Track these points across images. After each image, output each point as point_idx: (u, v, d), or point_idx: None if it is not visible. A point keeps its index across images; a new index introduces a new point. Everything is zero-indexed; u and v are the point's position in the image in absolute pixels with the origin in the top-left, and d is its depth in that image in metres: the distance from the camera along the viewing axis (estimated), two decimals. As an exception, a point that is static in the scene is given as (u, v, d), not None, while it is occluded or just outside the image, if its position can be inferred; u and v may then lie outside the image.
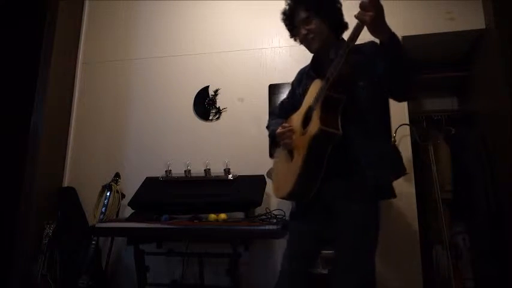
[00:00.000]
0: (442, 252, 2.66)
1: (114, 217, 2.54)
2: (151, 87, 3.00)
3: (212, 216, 2.11)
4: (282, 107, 1.77)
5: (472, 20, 2.55)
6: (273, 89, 2.75)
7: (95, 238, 2.45)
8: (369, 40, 1.36)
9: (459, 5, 2.59)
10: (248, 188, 2.34)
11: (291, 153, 1.47)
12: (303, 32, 1.47)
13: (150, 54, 3.07)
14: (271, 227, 1.92)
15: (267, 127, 1.74)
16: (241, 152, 2.67)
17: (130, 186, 2.62)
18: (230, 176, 2.47)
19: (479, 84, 2.81)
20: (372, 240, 1.33)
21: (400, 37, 1.25)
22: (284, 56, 2.82)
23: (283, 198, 1.50)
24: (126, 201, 2.56)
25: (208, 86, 2.89)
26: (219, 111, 2.83)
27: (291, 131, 1.47)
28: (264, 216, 2.13)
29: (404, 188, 2.37)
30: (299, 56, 2.70)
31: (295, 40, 1.62)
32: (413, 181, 2.41)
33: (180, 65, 2.98)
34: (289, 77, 2.65)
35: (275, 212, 2.16)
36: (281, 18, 1.58)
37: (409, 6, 2.65)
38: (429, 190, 2.65)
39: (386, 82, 1.32)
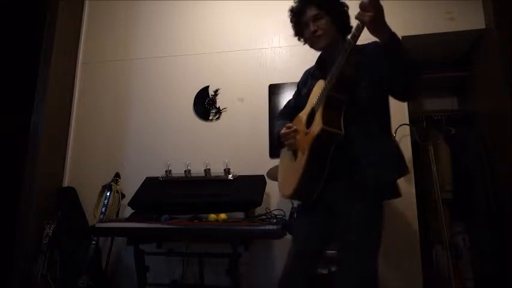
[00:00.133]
0: (442, 252, 2.66)
1: (114, 217, 2.54)
2: (151, 87, 3.00)
3: (212, 216, 2.11)
4: (287, 107, 1.78)
5: (472, 20, 2.55)
6: (273, 89, 2.75)
7: (95, 238, 2.45)
8: (372, 41, 1.36)
9: (459, 5, 2.59)
10: (248, 188, 2.34)
11: (295, 153, 1.48)
12: (312, 28, 1.47)
13: (150, 54, 3.07)
14: (271, 227, 1.92)
15: (273, 127, 1.75)
16: (241, 152, 2.67)
17: (130, 186, 2.62)
18: (230, 176, 2.47)
19: (479, 84, 2.81)
20: (374, 240, 1.33)
21: (400, 37, 1.25)
22: (284, 56, 2.82)
23: (288, 197, 1.51)
24: (126, 201, 2.56)
25: (208, 86, 2.89)
26: (219, 111, 2.83)
27: (295, 131, 1.48)
28: (264, 216, 2.13)
29: (405, 188, 2.37)
30: (299, 56, 2.72)
31: (299, 39, 1.62)
32: (413, 181, 2.41)
33: (180, 65, 2.98)
34: (289, 77, 2.70)
35: (275, 212, 2.16)
36: (288, 14, 1.59)
37: (409, 6, 2.65)
38: (429, 190, 2.65)
39: (389, 82, 1.32)
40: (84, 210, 2.76)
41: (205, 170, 2.54)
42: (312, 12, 1.47)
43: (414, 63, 1.28)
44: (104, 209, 2.50)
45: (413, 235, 2.34)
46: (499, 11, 2.38)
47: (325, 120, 1.31)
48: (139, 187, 2.54)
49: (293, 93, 1.78)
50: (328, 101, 1.34)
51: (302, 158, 1.39)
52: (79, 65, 3.17)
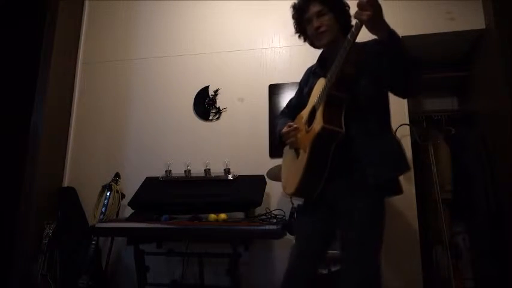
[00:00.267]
0: (442, 252, 2.66)
1: (114, 217, 2.54)
2: (151, 87, 3.00)
3: (212, 216, 2.11)
4: (289, 105, 1.78)
5: (472, 20, 2.55)
6: (273, 89, 2.75)
7: (95, 238, 2.45)
8: (372, 38, 1.36)
9: (459, 5, 2.59)
10: (248, 188, 2.34)
11: (297, 151, 1.49)
12: (316, 24, 1.46)
13: (150, 54, 3.07)
14: (271, 227, 1.92)
15: (275, 126, 1.75)
16: (241, 152, 2.67)
17: (131, 186, 2.62)
18: (230, 176, 2.47)
19: (479, 84, 2.81)
20: (376, 237, 1.33)
21: (399, 35, 1.25)
22: (284, 56, 2.82)
23: (291, 195, 1.52)
24: (126, 201, 2.56)
25: (208, 86, 2.89)
26: (219, 111, 2.83)
27: (296, 130, 1.48)
28: (264, 216, 2.13)
29: (405, 188, 2.32)
30: (299, 56, 2.72)
31: (299, 37, 1.62)
32: (413, 181, 2.41)
33: (180, 65, 2.98)
34: (289, 77, 2.70)
35: (275, 212, 2.16)
36: (291, 11, 1.58)
37: (409, 6, 2.65)
38: (429, 190, 2.65)
39: (389, 79, 1.32)
40: (84, 210, 2.76)
41: (205, 170, 2.54)
42: (315, 8, 1.47)
43: (414, 61, 1.28)
44: (104, 209, 2.50)
45: (413, 235, 2.34)
46: (499, 11, 2.38)
47: (325, 118, 1.31)
48: (139, 187, 2.54)
49: (293, 93, 1.78)
50: (328, 100, 1.35)
51: (303, 156, 1.39)
52: (79, 65, 3.17)
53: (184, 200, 2.33)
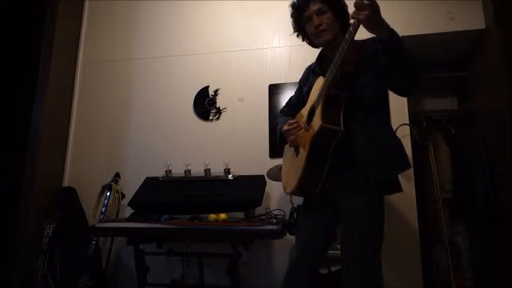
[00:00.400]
0: (442, 252, 2.66)
1: (114, 217, 2.54)
2: (151, 87, 3.00)
3: (212, 216, 2.11)
4: (289, 104, 1.78)
5: (472, 20, 2.55)
6: (273, 89, 2.75)
7: (95, 238, 2.45)
8: (371, 36, 1.36)
9: (459, 5, 2.59)
10: (248, 188, 2.34)
11: (297, 149, 1.49)
12: (316, 22, 1.45)
13: (150, 54, 3.07)
14: (271, 227, 1.92)
15: (276, 124, 1.75)
16: (241, 152, 2.67)
17: (131, 186, 2.62)
18: (230, 176, 2.47)
19: (479, 84, 2.81)
20: (377, 235, 1.34)
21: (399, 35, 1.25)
22: (284, 56, 2.82)
23: (291, 193, 1.52)
24: (126, 201, 2.55)
25: (208, 86, 2.89)
26: (219, 111, 2.83)
27: (296, 128, 1.48)
28: (264, 216, 2.13)
29: (405, 188, 2.34)
30: (299, 56, 2.72)
31: (298, 36, 1.61)
32: (413, 181, 2.41)
33: (180, 65, 2.98)
34: (289, 77, 2.70)
35: (275, 212, 2.16)
36: (290, 9, 1.58)
37: (409, 6, 2.65)
38: (429, 190, 2.65)
39: (388, 77, 1.32)
40: (84, 210, 2.76)
41: (205, 170, 2.54)
42: (315, 6, 1.46)
43: (414, 58, 1.28)
44: (104, 209, 2.50)
45: (414, 235, 2.34)
46: (499, 11, 2.38)
47: (324, 117, 1.32)
48: (139, 187, 2.54)
49: (293, 92, 1.78)
50: (327, 98, 1.35)
51: (303, 154, 1.40)
52: (79, 65, 3.17)
53: (184, 200, 2.33)
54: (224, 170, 2.51)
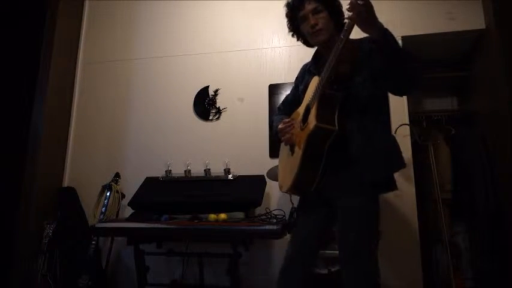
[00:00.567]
0: (442, 252, 2.66)
1: (114, 217, 2.54)
2: (151, 87, 3.00)
3: (212, 216, 2.11)
4: (285, 102, 1.78)
5: (472, 20, 2.55)
6: (273, 89, 2.75)
7: (95, 238, 2.45)
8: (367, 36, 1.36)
9: (459, 5, 2.59)
10: (248, 188, 2.34)
11: (292, 148, 1.49)
12: (312, 21, 1.45)
13: (150, 54, 3.07)
14: (271, 227, 1.91)
15: (272, 122, 1.75)
16: (241, 152, 2.67)
17: (131, 186, 2.62)
18: (230, 176, 2.47)
19: (479, 84, 2.81)
20: (372, 235, 1.35)
21: (399, 36, 1.25)
22: (284, 56, 2.82)
23: (287, 192, 1.52)
24: (126, 201, 2.55)
25: (208, 86, 2.89)
26: (219, 111, 2.83)
27: (291, 126, 1.48)
28: (264, 216, 2.13)
29: (405, 188, 2.37)
30: (299, 56, 2.71)
31: (293, 36, 1.62)
32: (413, 181, 2.41)
33: (180, 65, 2.98)
34: (290, 77, 2.70)
35: (275, 212, 2.15)
36: (285, 9, 1.57)
37: (409, 6, 2.65)
38: (429, 190, 2.65)
39: (384, 77, 1.32)
40: (84, 210, 2.76)
41: (205, 170, 2.54)
42: (311, 6, 1.46)
43: (410, 58, 1.28)
44: (104, 209, 2.50)
45: (413, 235, 2.34)
46: (499, 11, 2.38)
47: (319, 117, 1.32)
48: (139, 187, 2.54)
49: (293, 92, 1.78)
50: (322, 98, 1.35)
51: (299, 153, 1.40)
52: (79, 65, 3.17)
53: (184, 200, 2.33)
54: (224, 170, 2.51)
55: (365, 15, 1.17)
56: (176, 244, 2.45)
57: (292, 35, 1.62)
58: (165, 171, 2.59)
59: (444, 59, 2.98)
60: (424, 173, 2.68)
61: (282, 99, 2.63)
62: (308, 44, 1.59)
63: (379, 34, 1.22)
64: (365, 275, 1.31)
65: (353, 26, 1.21)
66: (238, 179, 2.45)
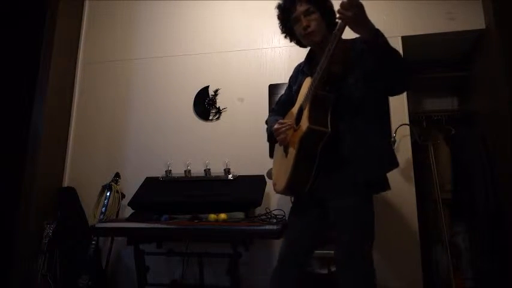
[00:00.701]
0: (442, 252, 2.66)
1: (114, 217, 2.54)
2: (151, 87, 3.00)
3: (212, 216, 2.11)
4: (279, 103, 1.78)
5: (472, 20, 2.55)
6: (273, 89, 2.75)
7: (95, 238, 2.45)
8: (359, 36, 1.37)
9: (459, 5, 2.59)
10: (248, 188, 2.34)
11: (286, 149, 1.49)
12: (304, 23, 1.45)
13: (150, 54, 3.06)
14: (271, 227, 1.91)
15: (266, 123, 1.75)
16: (241, 152, 2.67)
17: (131, 186, 2.62)
18: (230, 176, 2.47)
19: (479, 84, 2.81)
20: (367, 235, 1.35)
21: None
22: (284, 56, 2.82)
23: (280, 192, 1.52)
24: (126, 201, 2.55)
25: (208, 86, 2.89)
26: (219, 111, 2.83)
27: (286, 127, 1.48)
28: (264, 216, 2.13)
29: (405, 188, 2.37)
30: (299, 56, 2.69)
31: (285, 37, 1.62)
32: (413, 181, 2.41)
33: (180, 65, 2.98)
34: (289, 76, 2.69)
35: (275, 212, 2.15)
36: (276, 11, 1.58)
37: (409, 6, 2.65)
38: (429, 190, 2.65)
39: (376, 78, 1.33)
40: (84, 210, 2.76)
41: (205, 170, 2.54)
42: (302, 7, 1.46)
43: (401, 58, 1.29)
44: (104, 209, 2.50)
45: (413, 235, 2.34)
46: (499, 11, 2.38)
47: (311, 119, 1.32)
48: (139, 187, 2.54)
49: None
50: (314, 99, 1.35)
51: (292, 154, 1.40)
52: (79, 65, 3.16)
53: (184, 200, 2.33)
54: (224, 170, 2.51)
55: (356, 15, 1.17)
56: (176, 244, 2.45)
57: (285, 37, 1.62)
58: (165, 171, 2.59)
59: (444, 59, 2.98)
60: (424, 173, 2.68)
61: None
62: (301, 44, 1.59)
63: (371, 34, 1.22)
64: (361, 276, 1.30)
65: (344, 26, 1.21)
66: (238, 179, 2.45)
